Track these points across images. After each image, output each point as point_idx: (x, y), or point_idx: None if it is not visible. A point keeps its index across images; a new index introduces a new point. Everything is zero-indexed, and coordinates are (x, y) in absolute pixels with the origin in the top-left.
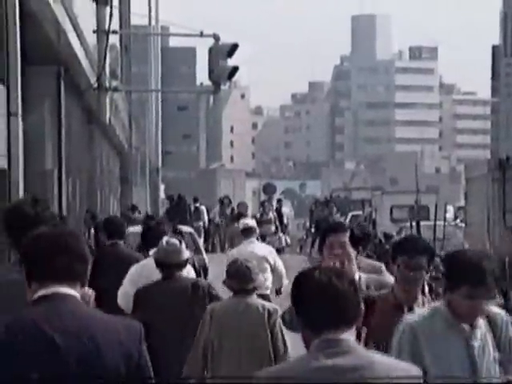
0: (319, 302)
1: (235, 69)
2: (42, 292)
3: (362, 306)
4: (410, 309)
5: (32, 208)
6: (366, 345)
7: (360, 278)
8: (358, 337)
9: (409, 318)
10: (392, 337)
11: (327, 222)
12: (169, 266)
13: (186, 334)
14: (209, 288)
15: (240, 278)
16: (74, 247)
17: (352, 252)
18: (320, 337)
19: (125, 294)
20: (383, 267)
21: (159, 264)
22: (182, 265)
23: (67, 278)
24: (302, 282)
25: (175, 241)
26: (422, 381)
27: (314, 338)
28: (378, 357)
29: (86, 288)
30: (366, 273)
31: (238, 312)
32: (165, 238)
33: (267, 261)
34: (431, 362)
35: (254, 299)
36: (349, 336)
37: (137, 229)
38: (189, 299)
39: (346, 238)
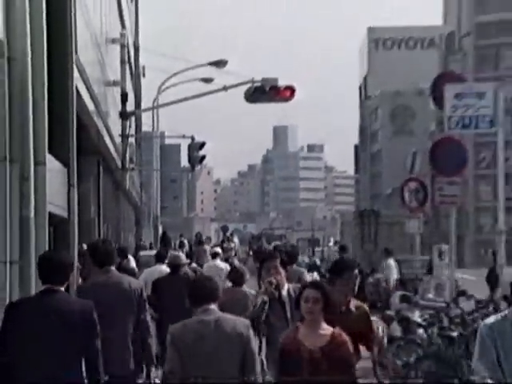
0: (199, 289)
1: (203, 157)
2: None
3: (220, 291)
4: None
5: (109, 245)
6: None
7: (289, 288)
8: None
9: (488, 319)
10: (337, 321)
11: (261, 250)
12: (174, 265)
13: (184, 308)
14: None
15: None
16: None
17: (282, 270)
18: (201, 307)
19: (142, 280)
20: (305, 272)
21: (170, 264)
22: (181, 265)
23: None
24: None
25: (177, 253)
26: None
27: (197, 308)
28: (225, 315)
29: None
30: (293, 276)
31: (204, 322)
32: (172, 252)
33: (224, 271)
34: (503, 358)
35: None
36: (213, 306)
37: (146, 252)
38: (187, 285)
39: (277, 262)
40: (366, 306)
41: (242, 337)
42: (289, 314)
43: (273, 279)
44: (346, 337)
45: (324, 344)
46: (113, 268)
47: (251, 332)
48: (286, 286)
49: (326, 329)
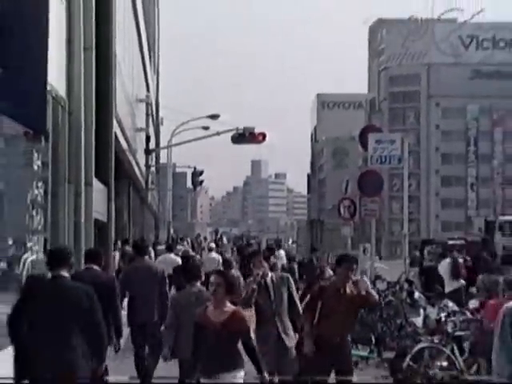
0: (188, 273)
1: (202, 181)
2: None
3: (202, 272)
4: (344, 290)
5: (143, 242)
6: (321, 310)
7: (272, 276)
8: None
9: (510, 303)
10: (334, 303)
11: (242, 247)
12: (186, 257)
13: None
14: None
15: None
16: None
17: (265, 264)
18: (190, 283)
19: (158, 262)
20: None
21: (183, 256)
22: (190, 256)
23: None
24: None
25: (188, 248)
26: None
27: (188, 283)
28: (203, 288)
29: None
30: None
31: (190, 293)
32: (181, 246)
33: (218, 261)
34: None
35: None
36: (197, 283)
37: (160, 246)
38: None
39: (261, 257)
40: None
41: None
42: (272, 296)
43: (260, 271)
44: (243, 314)
45: (225, 319)
46: (146, 257)
47: None
48: (269, 275)
49: (229, 307)
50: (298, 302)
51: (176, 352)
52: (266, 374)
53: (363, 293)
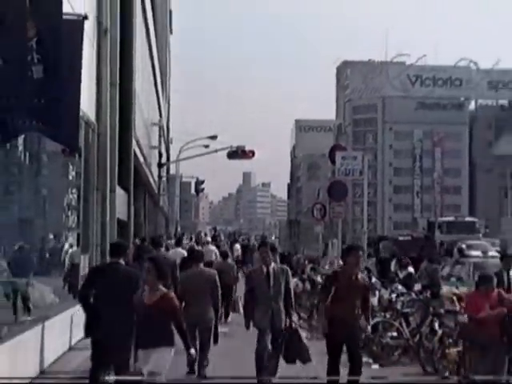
0: (194, 258)
1: (203, 189)
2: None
3: (203, 258)
4: (356, 277)
5: (160, 238)
6: (335, 293)
7: (274, 266)
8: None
9: None
10: (346, 288)
11: (248, 245)
12: (192, 249)
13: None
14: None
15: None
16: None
17: (271, 255)
18: (195, 264)
19: (171, 254)
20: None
21: (189, 250)
22: (196, 250)
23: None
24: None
25: (193, 243)
26: None
27: (193, 264)
28: (204, 268)
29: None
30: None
31: (196, 273)
32: (187, 242)
33: (214, 251)
34: None
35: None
36: (200, 264)
37: (170, 241)
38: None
39: (268, 249)
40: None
41: (211, 277)
42: (271, 283)
43: (267, 260)
44: (172, 296)
45: (156, 300)
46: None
47: (217, 277)
48: (272, 265)
49: (161, 290)
50: (292, 292)
51: (184, 316)
52: (192, 351)
53: (366, 284)
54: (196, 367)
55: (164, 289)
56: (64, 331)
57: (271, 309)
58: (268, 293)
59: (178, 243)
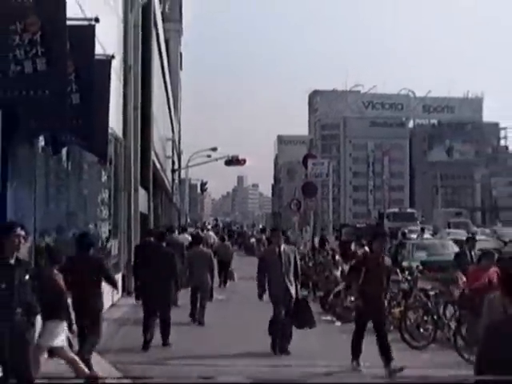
0: (195, 240)
1: (206, 188)
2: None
3: (203, 241)
4: (382, 259)
5: (172, 227)
6: (365, 274)
7: (284, 247)
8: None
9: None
10: (374, 269)
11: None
12: (192, 235)
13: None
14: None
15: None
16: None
17: (281, 238)
18: (196, 246)
19: (180, 238)
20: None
21: (192, 235)
22: (201, 236)
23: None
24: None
25: (199, 231)
26: None
27: (194, 246)
28: (203, 248)
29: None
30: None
31: (196, 252)
32: (193, 229)
33: (213, 236)
34: None
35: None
36: (200, 246)
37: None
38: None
39: (279, 233)
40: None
41: (207, 255)
42: (283, 260)
43: (280, 243)
44: (58, 279)
45: (47, 281)
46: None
47: (212, 255)
48: (282, 246)
49: (55, 274)
50: (299, 268)
51: (189, 282)
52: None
53: (390, 266)
54: (197, 317)
55: (57, 272)
56: (108, 292)
57: (284, 283)
58: (281, 269)
59: (184, 230)
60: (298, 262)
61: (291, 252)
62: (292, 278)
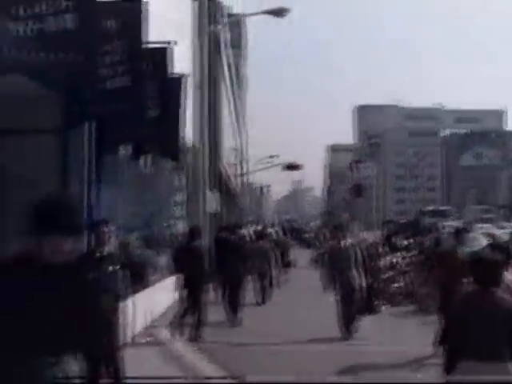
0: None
1: (268, 190)
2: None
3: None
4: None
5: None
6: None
7: (346, 242)
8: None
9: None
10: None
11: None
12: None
13: None
14: None
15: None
16: None
17: (344, 234)
18: (257, 241)
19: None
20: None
21: (255, 232)
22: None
23: None
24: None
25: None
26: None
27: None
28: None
29: None
30: None
31: (258, 245)
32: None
33: (273, 232)
34: None
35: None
36: (260, 241)
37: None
38: None
39: (339, 230)
40: None
41: (265, 247)
42: (346, 255)
43: (339, 242)
44: None
45: None
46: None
47: (269, 247)
48: (344, 241)
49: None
50: (360, 260)
51: (251, 270)
52: None
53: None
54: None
55: None
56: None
57: (348, 275)
58: (344, 263)
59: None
60: (359, 256)
61: (352, 247)
62: (354, 270)
